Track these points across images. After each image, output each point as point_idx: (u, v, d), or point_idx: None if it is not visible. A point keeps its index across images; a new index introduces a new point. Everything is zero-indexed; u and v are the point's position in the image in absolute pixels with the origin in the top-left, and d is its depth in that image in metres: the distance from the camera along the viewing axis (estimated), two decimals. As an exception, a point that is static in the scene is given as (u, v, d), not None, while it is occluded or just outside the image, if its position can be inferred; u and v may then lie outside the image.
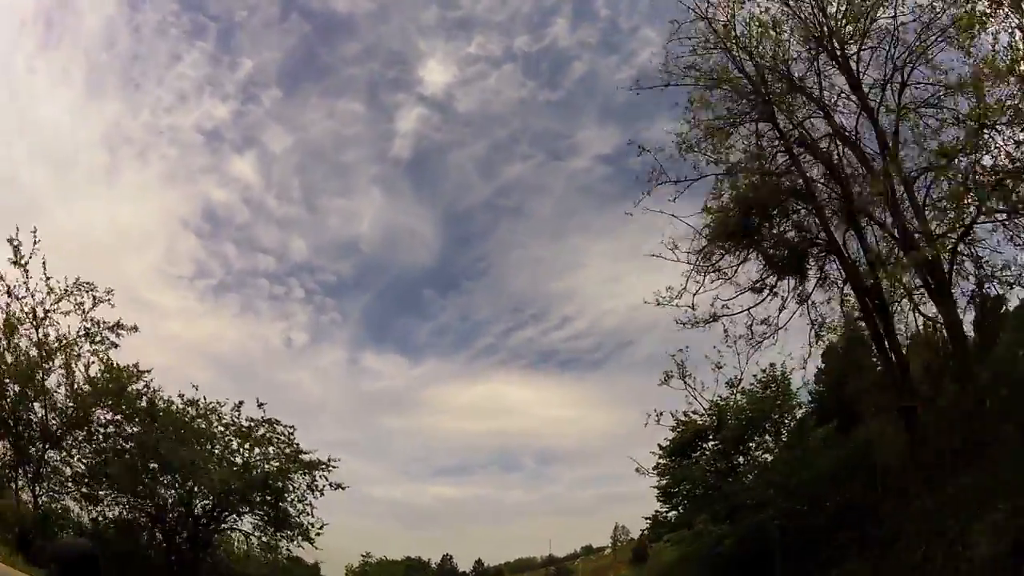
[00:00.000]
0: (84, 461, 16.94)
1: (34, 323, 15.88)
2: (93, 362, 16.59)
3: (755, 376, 21.11)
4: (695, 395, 20.69)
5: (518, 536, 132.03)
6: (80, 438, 16.75)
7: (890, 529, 14.40)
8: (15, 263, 15.65)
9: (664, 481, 22.96)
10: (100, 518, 17.12)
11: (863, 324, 17.22)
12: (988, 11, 13.23)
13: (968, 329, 17.11)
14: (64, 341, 16.18)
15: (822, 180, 17.31)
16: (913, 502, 14.25)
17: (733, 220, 16.82)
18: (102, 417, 16.93)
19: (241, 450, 18.85)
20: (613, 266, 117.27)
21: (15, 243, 15.60)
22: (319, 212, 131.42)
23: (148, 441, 16.85)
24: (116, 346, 16.66)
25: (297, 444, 19.09)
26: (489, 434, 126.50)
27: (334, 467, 19.20)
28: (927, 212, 15.30)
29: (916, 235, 15.08)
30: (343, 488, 19.38)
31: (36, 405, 16.05)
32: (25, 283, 15.73)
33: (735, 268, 17.60)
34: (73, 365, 16.29)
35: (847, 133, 16.82)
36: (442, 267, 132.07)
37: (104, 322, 16.45)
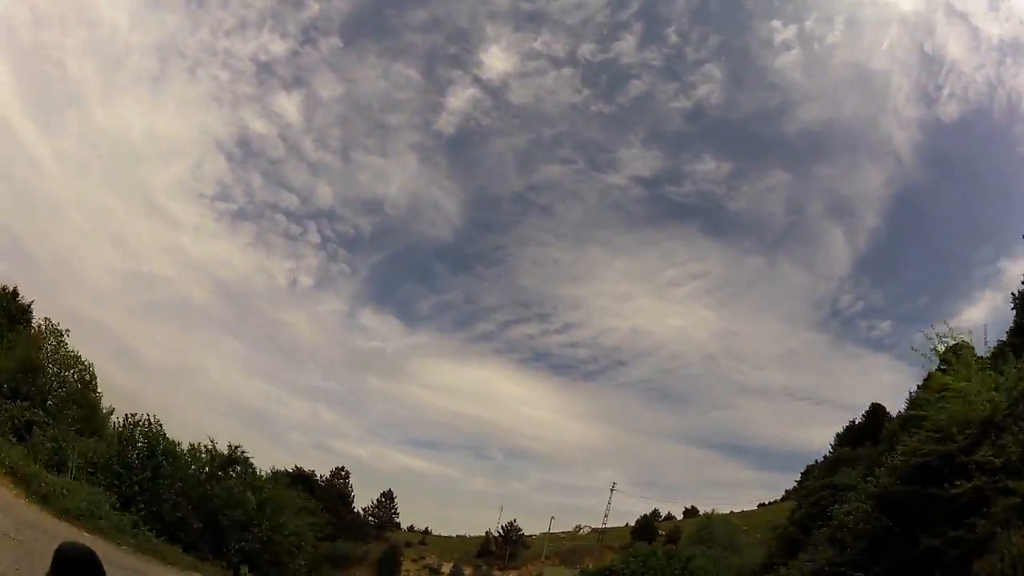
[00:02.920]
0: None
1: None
2: None
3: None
4: None
5: (472, 520, 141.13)
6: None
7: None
8: None
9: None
10: None
11: None
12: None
13: None
14: None
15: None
16: None
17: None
18: None
19: None
20: (626, 285, 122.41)
21: None
22: (352, 164, 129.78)
23: None
24: None
25: None
26: (468, 418, 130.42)
27: None
28: None
29: None
30: None
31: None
32: None
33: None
34: None
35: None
36: (459, 246, 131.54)
37: None
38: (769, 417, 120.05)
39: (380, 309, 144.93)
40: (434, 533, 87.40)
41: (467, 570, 70.91)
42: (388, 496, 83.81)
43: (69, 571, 2.32)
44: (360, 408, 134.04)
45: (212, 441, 24.02)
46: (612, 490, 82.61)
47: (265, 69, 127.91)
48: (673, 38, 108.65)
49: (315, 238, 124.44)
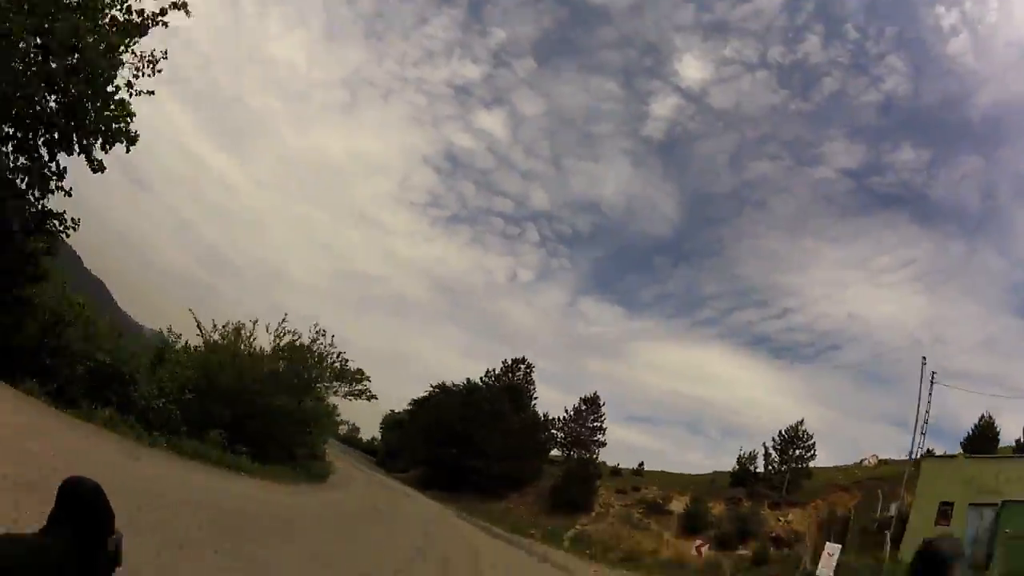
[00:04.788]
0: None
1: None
2: None
3: None
4: None
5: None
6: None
7: None
8: None
9: None
10: None
11: None
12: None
13: None
14: None
15: None
16: None
17: None
18: None
19: None
20: (840, 273, 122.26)
21: None
22: (564, 171, 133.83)
23: None
24: None
25: None
26: (685, 396, 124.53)
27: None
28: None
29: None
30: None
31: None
32: None
33: None
34: None
35: None
36: (678, 241, 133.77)
37: None
38: (966, 403, 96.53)
39: (602, 298, 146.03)
40: (652, 469, 59.08)
41: (714, 506, 40.97)
42: (590, 404, 55.60)
43: (75, 508, 2.10)
44: (579, 386, 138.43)
45: None
46: (932, 382, 44.71)
47: (462, 91, 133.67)
48: (853, 34, 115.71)
49: (534, 236, 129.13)
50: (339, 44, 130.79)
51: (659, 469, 55.35)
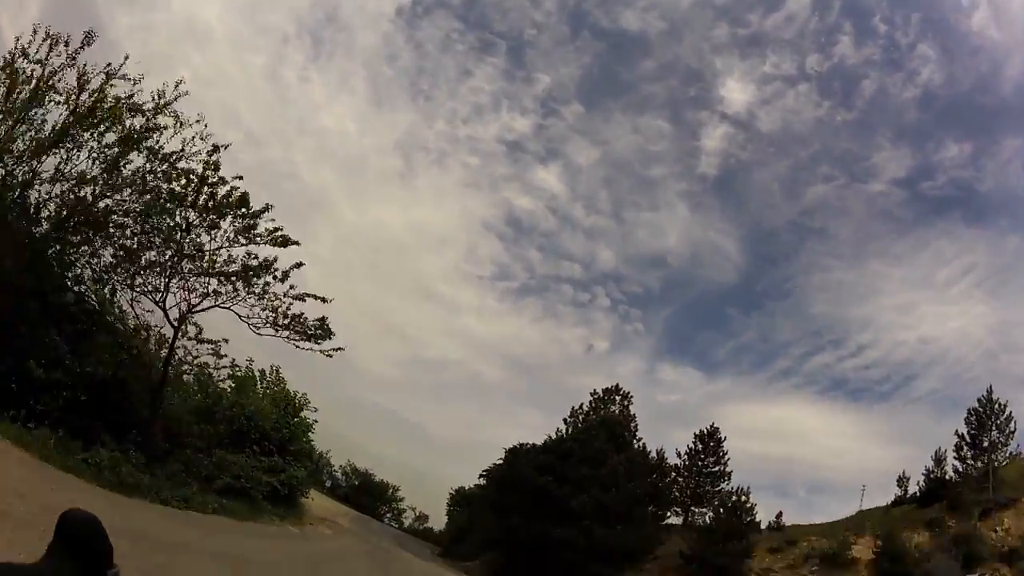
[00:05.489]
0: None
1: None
2: None
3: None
4: None
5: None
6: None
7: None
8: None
9: None
10: None
11: None
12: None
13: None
14: None
15: None
16: None
17: None
18: None
19: None
20: (907, 294, 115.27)
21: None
22: (627, 224, 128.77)
23: None
24: None
25: None
26: (769, 459, 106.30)
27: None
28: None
29: None
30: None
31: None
32: None
33: None
34: None
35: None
36: (747, 285, 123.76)
37: None
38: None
39: (679, 361, 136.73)
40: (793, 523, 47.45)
41: (911, 536, 29.78)
42: (708, 440, 43.05)
43: (73, 539, 2.09)
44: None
45: None
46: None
47: (515, 147, 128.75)
48: (882, 27, 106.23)
49: (604, 302, 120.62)
50: (387, 109, 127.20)
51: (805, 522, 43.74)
